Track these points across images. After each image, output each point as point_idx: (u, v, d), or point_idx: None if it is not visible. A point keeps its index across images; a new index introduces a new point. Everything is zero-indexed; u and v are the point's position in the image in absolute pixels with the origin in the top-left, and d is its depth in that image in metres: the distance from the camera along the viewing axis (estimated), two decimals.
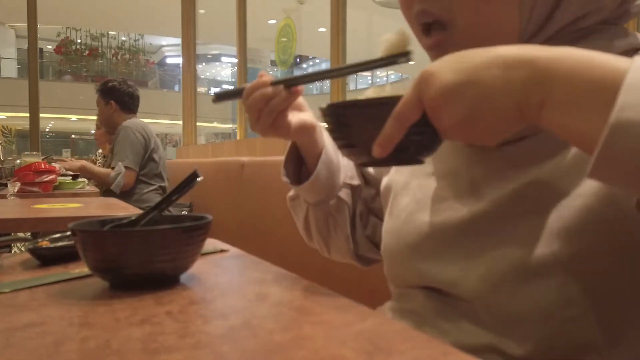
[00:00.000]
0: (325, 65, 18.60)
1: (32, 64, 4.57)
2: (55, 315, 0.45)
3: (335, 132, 0.51)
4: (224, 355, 0.35)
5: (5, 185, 2.29)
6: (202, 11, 4.69)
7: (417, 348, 0.37)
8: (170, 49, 19.90)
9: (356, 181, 0.76)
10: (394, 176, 0.70)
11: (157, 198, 2.79)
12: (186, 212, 2.65)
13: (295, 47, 3.93)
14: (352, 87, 16.23)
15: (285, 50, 4.01)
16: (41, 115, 4.60)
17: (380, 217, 0.77)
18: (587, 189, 0.48)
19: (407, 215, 0.62)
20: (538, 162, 0.51)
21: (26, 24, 4.55)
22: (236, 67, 4.12)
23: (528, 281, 0.49)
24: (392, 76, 15.67)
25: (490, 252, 0.52)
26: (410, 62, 0.51)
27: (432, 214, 0.59)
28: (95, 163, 3.28)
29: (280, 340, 0.38)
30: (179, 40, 4.61)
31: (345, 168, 0.74)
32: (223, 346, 0.36)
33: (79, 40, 17.85)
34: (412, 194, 0.64)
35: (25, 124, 4.79)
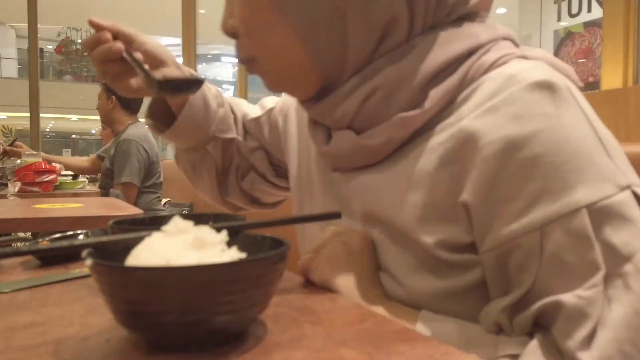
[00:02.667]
0: None
1: (33, 64, 4.57)
2: (55, 315, 0.45)
3: None
4: (224, 355, 0.35)
5: (6, 185, 2.29)
6: (202, 11, 4.69)
7: (417, 348, 0.37)
8: (170, 48, 19.83)
9: (229, 134, 0.76)
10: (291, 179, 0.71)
11: (157, 205, 2.81)
12: (186, 212, 2.65)
13: None
14: None
15: None
16: (41, 115, 4.60)
17: (260, 174, 0.79)
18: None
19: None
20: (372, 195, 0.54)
21: (27, 24, 4.55)
22: (236, 67, 4.11)
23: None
24: None
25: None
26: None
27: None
28: (99, 158, 3.27)
29: (280, 340, 0.38)
30: (179, 40, 4.61)
31: (218, 120, 0.74)
32: (223, 346, 0.36)
33: (79, 40, 17.85)
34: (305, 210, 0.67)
35: (26, 124, 4.80)
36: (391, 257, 0.52)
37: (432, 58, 0.49)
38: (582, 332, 0.41)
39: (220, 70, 21.19)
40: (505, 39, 0.52)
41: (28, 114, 4.55)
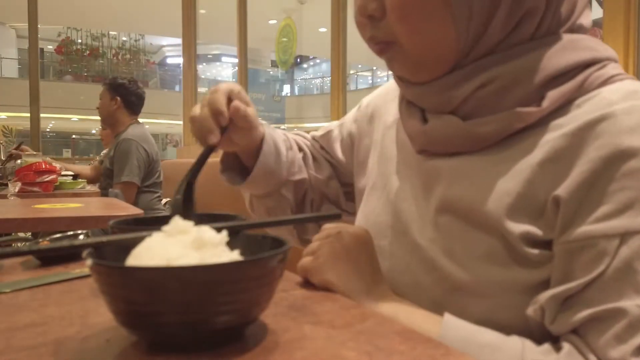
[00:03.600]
0: (325, 66, 18.57)
1: (33, 64, 4.57)
2: (55, 315, 0.45)
3: None
4: (224, 355, 0.35)
5: (6, 185, 2.29)
6: (202, 11, 4.69)
7: (417, 348, 0.37)
8: (170, 49, 19.91)
9: (300, 175, 0.76)
10: (367, 177, 0.71)
11: (158, 205, 2.81)
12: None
13: (296, 47, 3.94)
14: (352, 87, 16.23)
15: (285, 50, 4.01)
16: (42, 115, 4.60)
17: (334, 202, 0.79)
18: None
19: (374, 218, 0.65)
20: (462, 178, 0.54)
21: (27, 24, 4.55)
22: (237, 67, 4.12)
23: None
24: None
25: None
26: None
27: (395, 218, 0.61)
28: (101, 164, 3.28)
29: (280, 340, 0.38)
30: (179, 41, 4.61)
31: (289, 164, 0.74)
32: (223, 346, 0.36)
33: (79, 41, 17.86)
34: (378, 195, 0.66)
35: (26, 124, 4.80)
36: (459, 243, 0.53)
37: (554, 61, 0.51)
38: (637, 340, 0.42)
39: (221, 70, 21.20)
40: (615, 60, 0.55)
41: (28, 114, 4.55)
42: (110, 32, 18.20)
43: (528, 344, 0.47)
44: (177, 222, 0.38)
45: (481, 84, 0.52)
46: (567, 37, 0.52)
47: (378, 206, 0.65)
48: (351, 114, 0.79)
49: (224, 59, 20.32)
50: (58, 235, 0.75)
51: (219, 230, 0.39)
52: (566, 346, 0.45)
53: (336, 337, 0.39)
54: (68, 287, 0.55)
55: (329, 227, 0.57)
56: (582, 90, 0.51)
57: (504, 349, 0.46)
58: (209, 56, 19.42)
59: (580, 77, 0.51)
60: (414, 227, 0.58)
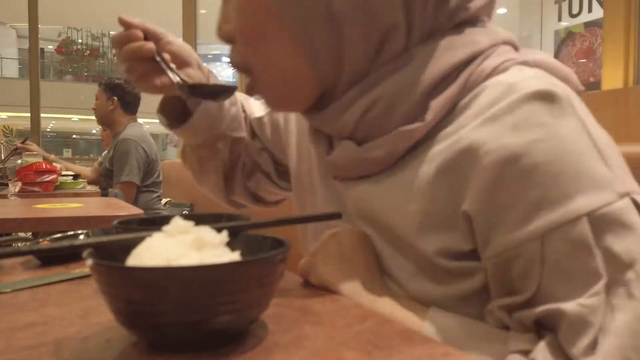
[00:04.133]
0: None
1: (33, 64, 4.58)
2: (55, 315, 0.45)
3: None
4: (225, 356, 0.35)
5: (6, 185, 2.29)
6: (203, 11, 4.69)
7: (417, 348, 0.37)
8: None
9: (239, 133, 0.76)
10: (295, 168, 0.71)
11: (157, 204, 2.81)
12: (187, 212, 2.65)
13: None
14: None
15: None
16: (42, 115, 4.60)
17: (265, 174, 0.79)
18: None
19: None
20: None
21: (27, 24, 4.55)
22: None
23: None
24: None
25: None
26: None
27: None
28: (100, 165, 3.28)
29: (281, 340, 0.38)
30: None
31: (230, 118, 0.74)
32: (224, 346, 0.36)
33: (80, 41, 17.85)
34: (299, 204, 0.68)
35: (27, 124, 4.80)
36: (392, 263, 0.53)
37: (432, 68, 0.49)
38: (584, 341, 0.41)
39: (221, 70, 21.19)
40: (505, 43, 0.52)
41: (29, 114, 4.55)
42: (111, 32, 18.20)
43: (512, 333, 0.46)
44: (178, 222, 0.38)
45: (366, 107, 0.51)
46: (444, 40, 0.50)
47: (311, 233, 0.66)
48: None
49: (224, 58, 20.31)
50: (58, 235, 0.75)
51: (219, 230, 0.39)
52: (547, 335, 0.44)
53: (336, 337, 0.39)
54: (68, 287, 0.55)
55: (329, 230, 0.57)
56: (465, 90, 0.49)
57: (488, 339, 0.46)
58: (209, 56, 19.40)
59: (461, 78, 0.49)
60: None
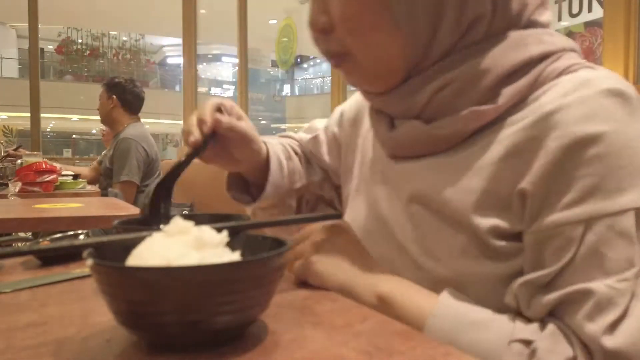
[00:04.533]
0: (326, 66, 18.57)
1: (33, 64, 4.58)
2: (56, 315, 0.45)
3: None
4: (224, 356, 0.35)
5: (6, 185, 2.29)
6: (202, 11, 4.69)
7: (417, 348, 0.37)
8: (171, 49, 19.89)
9: (302, 182, 0.78)
10: (352, 181, 0.72)
11: None
12: (187, 212, 2.65)
13: (296, 47, 3.93)
14: (352, 87, 16.19)
15: (286, 50, 4.01)
16: (42, 115, 4.60)
17: (328, 203, 0.81)
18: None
19: (359, 222, 0.65)
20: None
21: (27, 24, 4.55)
22: (237, 67, 4.12)
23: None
24: None
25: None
26: None
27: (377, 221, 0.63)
28: (100, 164, 3.28)
29: (281, 340, 0.38)
30: (179, 40, 4.61)
31: (291, 174, 0.76)
32: (223, 346, 0.36)
33: (79, 40, 17.86)
34: (362, 199, 0.67)
35: (26, 124, 4.80)
36: (438, 240, 0.54)
37: (507, 58, 0.52)
38: (607, 319, 0.44)
39: (221, 70, 21.20)
40: (572, 50, 0.56)
41: (28, 114, 4.55)
42: (111, 32, 18.20)
43: (519, 322, 0.48)
44: (178, 222, 0.38)
45: (438, 87, 0.54)
46: (516, 34, 0.53)
47: (362, 211, 0.66)
48: (334, 119, 0.80)
49: (224, 59, 20.31)
50: (58, 235, 0.75)
51: (219, 230, 0.39)
52: (550, 326, 0.47)
53: (336, 337, 0.39)
54: (68, 287, 0.55)
55: (306, 229, 0.59)
56: (537, 84, 0.52)
57: (494, 326, 0.48)
58: (209, 56, 19.41)
59: (534, 72, 0.52)
60: (396, 230, 0.59)
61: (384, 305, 0.53)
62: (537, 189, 0.48)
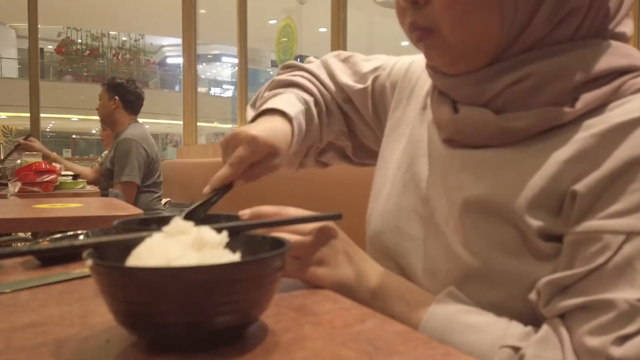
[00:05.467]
0: None
1: (33, 64, 4.57)
2: (55, 315, 0.45)
3: None
4: (224, 356, 0.35)
5: (6, 185, 2.29)
6: (202, 11, 4.69)
7: (417, 348, 0.37)
8: (170, 49, 19.88)
9: (312, 141, 0.78)
10: (393, 147, 0.72)
11: (158, 205, 2.81)
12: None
13: (296, 47, 3.93)
14: None
15: (285, 50, 4.01)
16: (42, 115, 4.60)
17: (340, 152, 0.83)
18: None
19: (396, 198, 0.66)
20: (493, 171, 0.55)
21: (27, 24, 4.55)
22: (237, 67, 4.12)
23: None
24: None
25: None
26: None
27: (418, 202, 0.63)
28: (100, 165, 3.28)
29: (281, 340, 0.38)
30: (179, 41, 4.61)
31: (309, 137, 0.76)
32: (223, 346, 0.36)
33: (79, 41, 17.84)
34: (402, 175, 0.67)
35: (26, 124, 4.80)
36: (480, 232, 0.54)
37: (592, 64, 0.51)
38: (620, 332, 0.43)
39: (220, 70, 21.18)
40: None
41: (28, 114, 4.55)
42: (110, 32, 18.19)
43: (513, 328, 0.48)
44: (177, 222, 0.38)
45: (517, 79, 0.53)
46: (606, 42, 0.53)
47: (400, 187, 0.65)
48: (389, 68, 0.77)
49: (224, 59, 20.30)
50: (58, 235, 0.75)
51: (219, 230, 0.39)
52: (543, 329, 0.47)
53: (336, 338, 0.39)
54: (68, 287, 0.55)
55: (301, 228, 0.59)
56: (616, 95, 0.52)
57: (487, 331, 0.48)
58: (209, 56, 19.39)
59: (616, 83, 0.51)
60: (438, 214, 0.59)
61: (376, 301, 0.54)
62: (588, 192, 0.48)
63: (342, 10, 2.92)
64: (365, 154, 0.82)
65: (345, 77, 0.79)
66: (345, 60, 0.81)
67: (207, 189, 0.62)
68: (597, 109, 0.51)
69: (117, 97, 2.84)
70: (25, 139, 3.03)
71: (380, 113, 0.77)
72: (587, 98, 0.51)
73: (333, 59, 0.83)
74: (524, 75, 0.52)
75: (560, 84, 0.51)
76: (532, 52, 0.53)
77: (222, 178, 0.62)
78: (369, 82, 0.77)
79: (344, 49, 2.98)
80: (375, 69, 0.78)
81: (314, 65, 0.83)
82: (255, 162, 0.64)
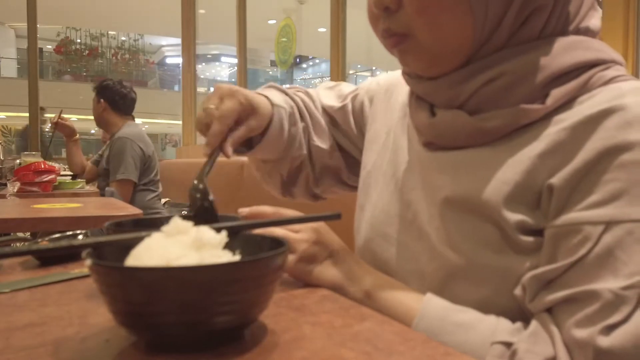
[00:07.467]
0: (325, 66, 18.55)
1: (32, 63, 4.57)
2: (54, 315, 0.45)
3: None
4: (224, 355, 0.35)
5: (5, 185, 2.29)
6: (202, 11, 4.69)
7: (417, 348, 0.37)
8: (170, 49, 19.87)
9: (299, 152, 0.77)
10: (376, 157, 0.72)
11: (157, 204, 2.80)
12: (186, 213, 2.65)
13: (295, 47, 3.93)
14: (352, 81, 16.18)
15: (285, 50, 4.01)
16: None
17: (335, 174, 0.82)
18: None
19: (382, 206, 0.67)
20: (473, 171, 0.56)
21: (26, 24, 4.55)
22: (236, 67, 4.12)
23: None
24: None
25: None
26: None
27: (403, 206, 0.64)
28: (95, 164, 3.27)
29: (280, 340, 0.38)
30: (179, 40, 4.61)
31: (290, 141, 0.75)
32: (223, 346, 0.36)
33: (78, 40, 17.82)
34: (386, 182, 0.68)
35: (25, 124, 4.79)
36: (463, 230, 0.55)
37: (560, 59, 0.52)
38: (606, 322, 0.44)
39: (220, 70, 21.18)
40: (621, 64, 0.56)
41: (27, 114, 4.55)
42: (110, 32, 18.18)
43: (502, 324, 0.49)
44: (177, 222, 0.38)
45: (489, 79, 0.54)
46: (572, 38, 0.54)
47: (386, 194, 0.66)
48: (366, 86, 0.79)
49: (223, 59, 20.29)
50: (57, 235, 0.75)
51: (218, 230, 0.39)
52: (533, 324, 0.47)
53: (336, 337, 0.39)
54: (67, 287, 0.55)
55: (298, 228, 0.61)
56: (585, 89, 0.52)
57: (478, 328, 0.49)
58: (208, 56, 19.39)
59: (584, 77, 0.52)
60: (421, 216, 0.60)
61: (370, 301, 0.55)
62: (564, 185, 0.49)
63: (342, 10, 2.92)
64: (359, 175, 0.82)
65: (329, 100, 0.82)
66: (331, 88, 0.84)
67: (206, 150, 0.62)
68: (566, 103, 0.52)
69: (102, 100, 2.84)
70: (59, 116, 3.01)
71: (363, 129, 0.78)
72: (556, 94, 0.52)
73: (321, 87, 0.86)
74: (496, 75, 0.53)
75: (531, 82, 0.52)
76: (503, 51, 0.54)
77: (217, 133, 0.62)
78: (348, 100, 0.80)
79: (344, 49, 2.98)
80: (355, 89, 0.81)
81: (305, 89, 0.85)
82: (239, 119, 0.64)
